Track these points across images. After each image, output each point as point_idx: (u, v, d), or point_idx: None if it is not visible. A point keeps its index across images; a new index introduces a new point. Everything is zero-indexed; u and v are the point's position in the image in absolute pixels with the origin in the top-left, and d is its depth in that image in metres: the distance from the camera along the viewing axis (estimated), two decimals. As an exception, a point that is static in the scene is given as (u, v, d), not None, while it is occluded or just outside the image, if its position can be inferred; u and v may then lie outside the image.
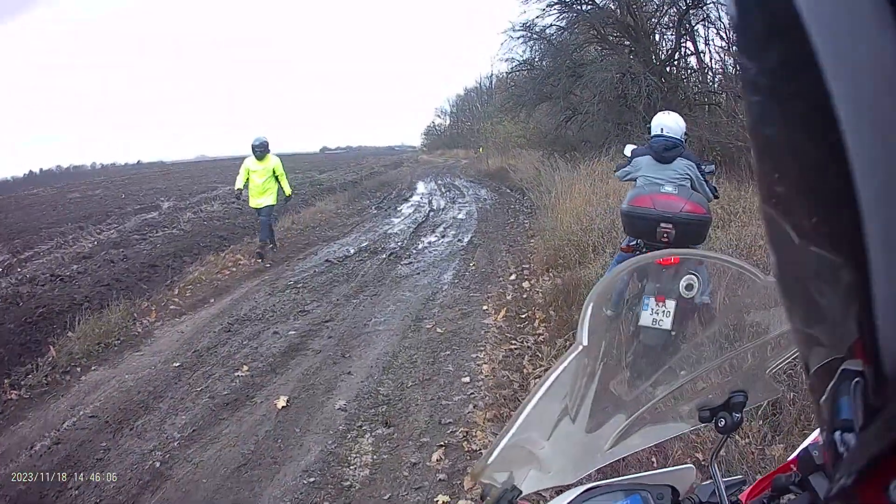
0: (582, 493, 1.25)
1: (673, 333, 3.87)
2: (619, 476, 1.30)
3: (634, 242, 5.15)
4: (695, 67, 20.35)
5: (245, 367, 6.53)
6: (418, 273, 10.04)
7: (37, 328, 8.24)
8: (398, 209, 19.45)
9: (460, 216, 16.83)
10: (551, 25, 22.39)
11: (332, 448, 4.84)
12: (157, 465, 4.74)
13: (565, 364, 1.01)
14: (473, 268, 10.25)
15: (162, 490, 4.42)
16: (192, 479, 4.53)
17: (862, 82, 0.37)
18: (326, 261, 11.48)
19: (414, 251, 12.11)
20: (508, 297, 8.36)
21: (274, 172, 11.55)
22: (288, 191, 12.05)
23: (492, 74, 52.03)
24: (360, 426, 5.16)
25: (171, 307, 9.08)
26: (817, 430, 1.12)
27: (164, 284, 10.52)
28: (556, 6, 21.74)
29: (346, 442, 4.93)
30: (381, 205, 20.68)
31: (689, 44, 20.20)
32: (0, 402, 6.11)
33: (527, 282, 8.90)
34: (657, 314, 4.31)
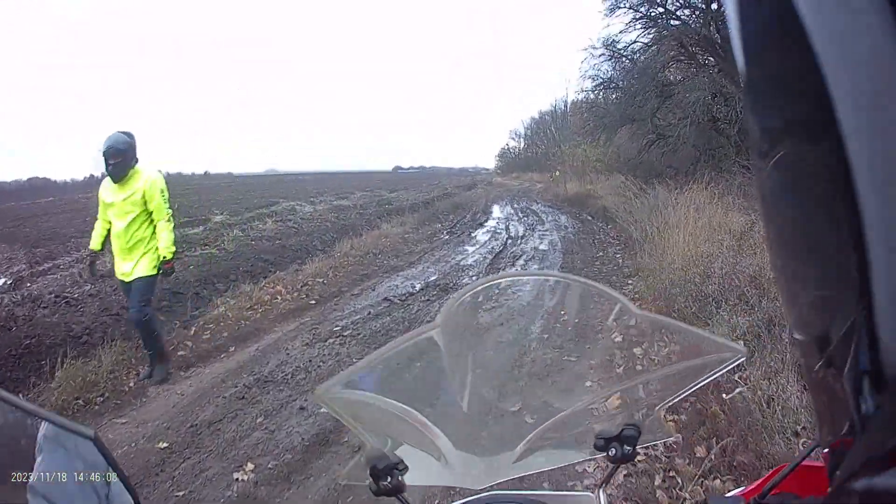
0: (483, 497, 1.32)
1: None
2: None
3: None
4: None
5: (250, 466, 4.75)
6: (500, 324, 8.19)
7: (19, 365, 6.65)
8: (473, 235, 17.72)
9: (542, 246, 15.04)
10: (635, 42, 21.15)
11: None
12: None
13: (418, 335, 0.97)
14: (566, 318, 8.29)
15: None
16: None
17: (862, 82, 0.38)
18: (385, 299, 9.63)
19: (493, 290, 10.05)
20: (619, 371, 6.43)
21: (145, 204, 6.32)
22: (166, 247, 6.40)
23: (567, 97, 51.46)
24: None
25: (180, 353, 7.41)
26: (734, 491, 1.20)
27: (182, 320, 8.84)
28: (640, 20, 20.39)
29: None
30: (453, 230, 18.99)
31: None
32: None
33: (639, 347, 7.03)
34: None
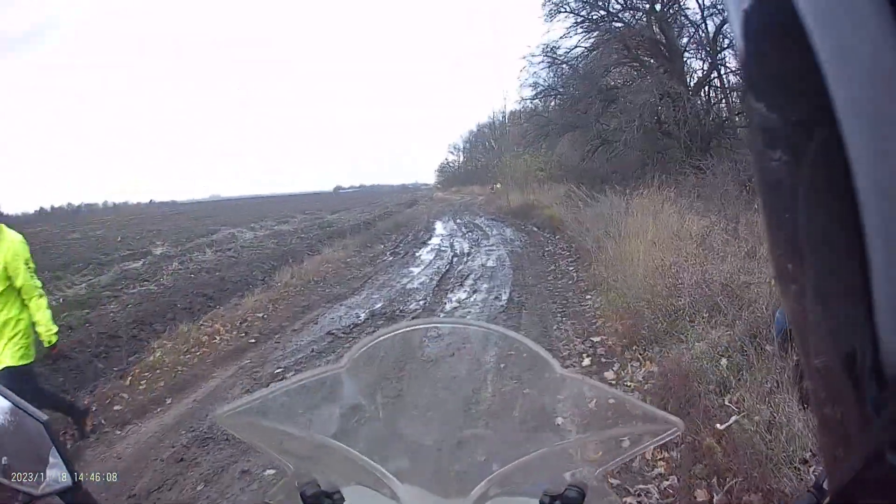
0: None
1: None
2: None
3: None
4: (734, 86, 18.44)
5: (192, 547, 3.94)
6: (451, 354, 7.30)
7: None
8: (417, 255, 16.88)
9: (490, 263, 14.31)
10: (576, 47, 20.75)
11: None
12: None
13: (317, 374, 1.08)
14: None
15: None
16: None
17: (862, 82, 0.38)
18: (328, 333, 8.73)
19: (441, 316, 9.24)
20: (591, 405, 5.61)
21: (9, 279, 4.96)
22: (47, 331, 5.16)
23: (505, 108, 51.70)
24: None
25: (116, 407, 6.56)
26: None
27: (117, 367, 7.98)
28: (582, 24, 20.02)
29: None
30: (396, 250, 18.10)
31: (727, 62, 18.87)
32: None
33: (609, 370, 6.29)
34: None
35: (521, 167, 31.23)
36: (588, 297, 9.48)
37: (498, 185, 39.53)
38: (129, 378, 7.48)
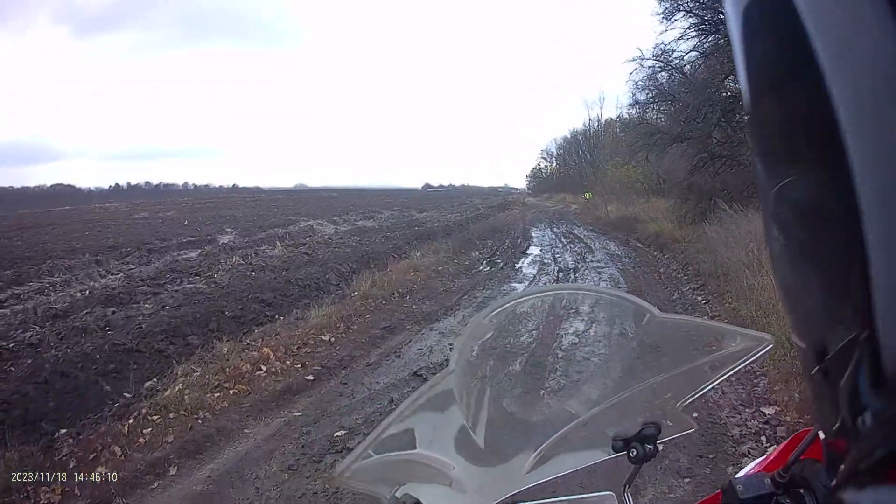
0: None
1: None
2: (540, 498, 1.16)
3: None
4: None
5: None
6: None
7: None
8: (517, 267, 15.24)
9: (602, 284, 12.34)
10: (692, 51, 19.03)
11: None
12: None
13: (433, 386, 0.96)
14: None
15: None
16: None
17: (862, 83, 0.39)
18: (415, 374, 6.92)
19: (559, 350, 7.27)
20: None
21: None
22: None
23: (601, 115, 50.35)
24: None
25: (98, 470, 4.79)
26: (753, 462, 1.19)
27: (126, 396, 6.24)
28: (701, 26, 18.34)
29: None
30: (493, 259, 16.50)
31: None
32: None
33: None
34: None
35: (620, 177, 29.72)
36: (734, 341, 7.78)
37: (587, 195, 38.02)
38: (131, 420, 5.67)
